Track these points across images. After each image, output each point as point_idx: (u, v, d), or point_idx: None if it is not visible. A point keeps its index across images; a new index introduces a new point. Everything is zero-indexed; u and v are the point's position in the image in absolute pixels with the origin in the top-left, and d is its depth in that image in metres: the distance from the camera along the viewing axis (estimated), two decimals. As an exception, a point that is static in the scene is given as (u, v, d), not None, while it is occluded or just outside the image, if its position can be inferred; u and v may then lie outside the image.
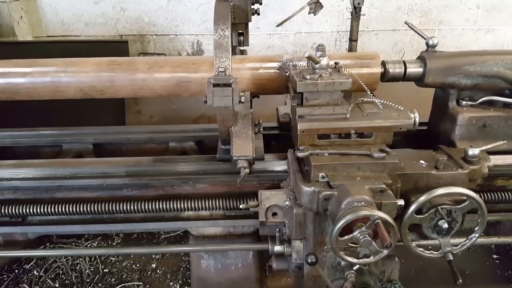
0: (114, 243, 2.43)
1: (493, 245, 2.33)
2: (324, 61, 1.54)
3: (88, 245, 2.37)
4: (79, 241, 2.41)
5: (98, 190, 1.73)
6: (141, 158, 1.79)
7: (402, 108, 1.60)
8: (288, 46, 3.26)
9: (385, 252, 1.27)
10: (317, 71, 1.54)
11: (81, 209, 1.70)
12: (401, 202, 1.37)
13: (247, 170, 1.51)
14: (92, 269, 2.23)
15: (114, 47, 3.18)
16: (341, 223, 1.22)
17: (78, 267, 2.23)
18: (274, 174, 1.67)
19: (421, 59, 1.81)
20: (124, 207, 1.68)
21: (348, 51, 1.97)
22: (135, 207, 1.68)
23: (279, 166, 1.70)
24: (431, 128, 2.02)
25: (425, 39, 1.86)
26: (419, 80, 1.82)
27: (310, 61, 1.56)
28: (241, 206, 1.50)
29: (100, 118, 2.98)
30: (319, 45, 1.54)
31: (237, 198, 1.72)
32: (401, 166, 1.50)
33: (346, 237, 1.26)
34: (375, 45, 3.13)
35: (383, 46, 3.16)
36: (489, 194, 1.76)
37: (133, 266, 2.25)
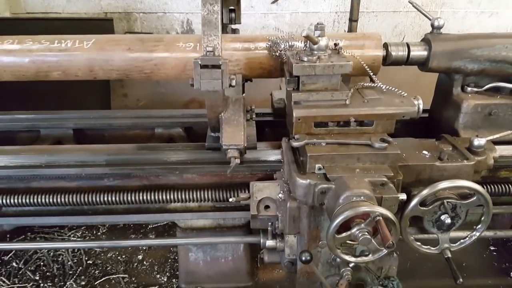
0: (99, 233, 2.33)
1: (490, 237, 2.27)
2: (323, 42, 1.41)
3: (72, 235, 2.26)
4: (62, 231, 2.29)
5: (77, 180, 1.61)
6: (123, 146, 1.66)
7: (405, 94, 1.48)
8: (283, 26, 3.09)
9: (385, 251, 1.17)
10: (315, 52, 1.41)
11: (59, 199, 1.58)
12: (403, 196, 1.27)
13: (238, 161, 1.40)
14: (75, 261, 2.12)
15: (98, 25, 2.99)
16: (338, 220, 1.12)
17: (60, 259, 2.12)
18: (267, 164, 1.56)
19: (426, 41, 1.69)
20: (105, 198, 1.56)
21: (348, 31, 1.83)
22: (117, 198, 1.57)
23: (273, 155, 1.59)
24: (433, 115, 1.92)
25: (430, 20, 1.73)
26: (423, 64, 1.70)
27: (308, 42, 1.43)
28: (230, 200, 1.39)
29: (84, 101, 2.82)
30: (318, 23, 1.41)
31: (227, 189, 1.61)
32: (403, 157, 1.40)
33: (344, 234, 1.16)
34: (375, 27, 2.98)
35: (383, 28, 3.01)
36: (492, 186, 1.68)
37: (119, 258, 2.15)
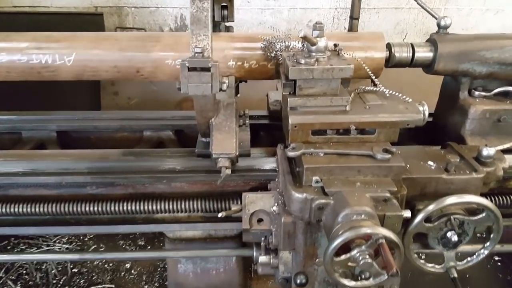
0: (86, 238, 2.22)
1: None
2: (322, 43, 1.30)
3: (57, 241, 2.16)
4: (47, 236, 2.19)
5: (58, 188, 1.50)
6: (108, 152, 1.55)
7: (410, 100, 1.38)
8: (281, 23, 2.98)
9: (387, 277, 1.07)
10: (314, 54, 1.30)
11: (38, 209, 1.47)
12: (407, 213, 1.17)
13: (229, 171, 1.29)
14: (60, 269, 2.03)
15: (88, 20, 2.87)
16: (336, 243, 1.02)
17: (44, 267, 2.02)
18: (261, 174, 1.46)
19: (432, 42, 1.58)
20: (87, 208, 1.46)
21: (348, 30, 1.73)
22: (100, 208, 1.46)
23: (268, 163, 1.49)
24: (437, 120, 1.81)
25: (436, 18, 1.62)
26: (428, 66, 1.59)
27: (306, 43, 1.32)
28: (219, 215, 1.29)
29: (73, 100, 2.70)
30: (316, 23, 1.30)
31: (218, 199, 1.51)
32: (407, 168, 1.30)
33: (343, 257, 1.06)
34: (376, 24, 2.87)
35: (384, 25, 2.90)
36: (500, 198, 1.58)
37: (106, 266, 2.06)
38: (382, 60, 1.53)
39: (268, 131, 1.90)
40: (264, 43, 1.48)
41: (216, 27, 1.56)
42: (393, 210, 1.13)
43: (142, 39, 1.50)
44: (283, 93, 1.34)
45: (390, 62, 1.56)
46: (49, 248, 2.07)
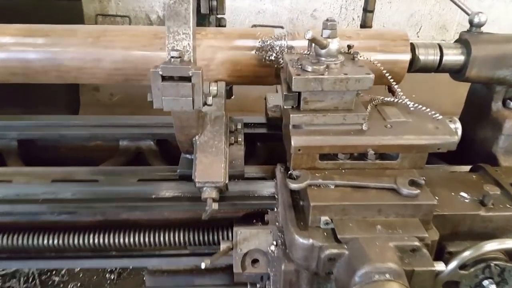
0: (53, 273, 1.97)
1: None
2: (333, 45, 1.03)
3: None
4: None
5: (11, 215, 1.24)
6: (72, 171, 1.30)
7: (440, 117, 1.12)
8: (282, 12, 2.68)
9: None
10: (323, 59, 1.04)
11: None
12: (440, 266, 0.93)
13: (216, 206, 1.04)
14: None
15: (65, 7, 2.56)
16: (355, 317, 0.78)
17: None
18: (257, 202, 1.20)
19: (463, 43, 1.31)
20: (45, 241, 1.20)
21: (362, 25, 1.46)
22: (61, 241, 1.21)
23: (265, 188, 1.23)
24: (464, 133, 1.56)
25: (468, 14, 1.35)
26: (458, 72, 1.33)
27: (313, 45, 1.05)
28: (203, 266, 1.04)
29: (48, 97, 2.41)
30: (327, 19, 1.03)
31: (205, 229, 1.26)
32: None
33: (362, 331, 0.82)
34: (388, 15, 2.58)
35: (397, 17, 2.60)
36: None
37: (81, 289, 1.82)
38: (405, 64, 1.27)
39: (266, 141, 1.64)
40: (259, 43, 1.21)
41: (204, 19, 1.29)
42: (423, 263, 0.89)
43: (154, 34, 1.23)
44: (285, 107, 1.08)
45: (414, 66, 1.30)
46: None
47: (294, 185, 0.99)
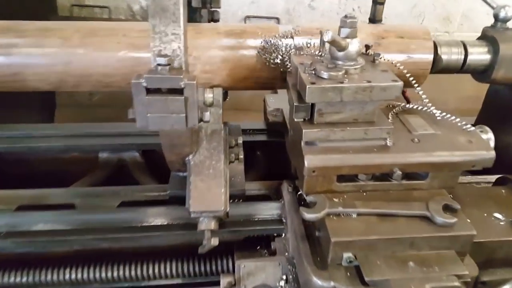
0: None
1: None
2: (353, 46, 0.87)
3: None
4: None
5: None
6: (42, 193, 1.11)
7: (471, 128, 0.98)
8: (277, 2, 2.49)
9: None
10: (340, 63, 0.88)
11: None
12: (484, 310, 0.80)
13: (215, 242, 0.88)
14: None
15: (36, -3, 2.32)
16: None
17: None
18: (262, 226, 1.04)
19: (489, 40, 1.17)
20: (11, 279, 1.02)
21: (371, 19, 1.30)
22: (31, 278, 1.03)
23: (270, 209, 1.08)
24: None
25: (493, 8, 1.21)
26: (483, 73, 1.19)
27: (327, 45, 0.89)
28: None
29: (20, 97, 2.18)
30: (346, 16, 0.86)
31: (201, 258, 1.10)
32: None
33: None
34: (391, 6, 2.40)
35: (400, 7, 2.43)
36: None
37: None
38: (427, 66, 1.12)
39: (267, 149, 1.48)
40: (262, 42, 1.03)
41: (194, 13, 1.10)
42: (466, 309, 0.75)
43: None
44: (295, 119, 0.92)
45: (435, 67, 1.15)
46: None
47: (310, 216, 0.83)
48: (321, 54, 0.97)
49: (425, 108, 1.02)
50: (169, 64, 0.75)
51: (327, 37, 0.77)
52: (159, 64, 0.75)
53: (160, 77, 0.74)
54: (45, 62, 1.02)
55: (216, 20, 1.27)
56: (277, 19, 2.55)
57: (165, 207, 1.06)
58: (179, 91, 0.76)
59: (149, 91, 0.75)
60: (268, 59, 1.03)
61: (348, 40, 0.86)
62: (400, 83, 0.84)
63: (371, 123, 0.90)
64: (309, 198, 0.89)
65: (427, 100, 1.01)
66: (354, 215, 0.84)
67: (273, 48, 1.03)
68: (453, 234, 0.81)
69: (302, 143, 0.90)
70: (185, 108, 0.77)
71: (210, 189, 0.91)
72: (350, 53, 0.87)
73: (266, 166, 1.46)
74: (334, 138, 0.89)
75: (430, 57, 1.11)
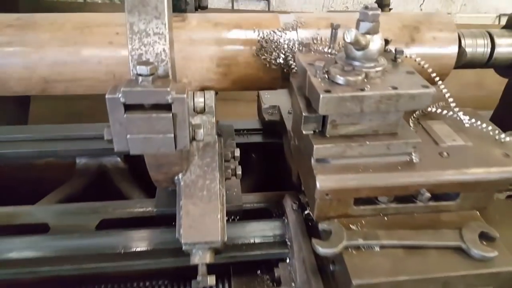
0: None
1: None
2: (375, 44, 0.71)
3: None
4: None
5: None
6: (9, 212, 0.96)
7: (506, 138, 0.84)
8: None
9: None
10: (358, 64, 0.73)
11: None
12: None
13: (212, 281, 0.74)
14: None
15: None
16: None
17: None
18: (262, 251, 0.91)
19: (519, 29, 1.02)
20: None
21: (378, 4, 1.13)
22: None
23: (271, 229, 0.94)
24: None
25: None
26: (509, 67, 1.05)
27: (344, 42, 0.73)
28: None
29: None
30: (367, 7, 0.70)
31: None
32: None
33: None
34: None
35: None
36: None
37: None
38: (450, 61, 0.97)
39: (262, 151, 1.33)
40: (260, 41, 0.87)
41: (182, 5, 0.93)
42: None
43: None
44: (303, 131, 0.77)
45: (457, 62, 1.00)
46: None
47: (325, 251, 0.70)
48: (331, 51, 0.82)
49: (450, 112, 0.88)
50: (152, 74, 0.59)
51: (349, 37, 0.62)
52: (139, 75, 0.59)
53: (142, 90, 0.58)
54: (25, 63, 0.85)
55: (204, 7, 1.09)
56: (267, 0, 2.36)
57: (152, 230, 0.91)
58: (166, 107, 0.60)
59: (128, 107, 0.59)
60: (268, 59, 0.87)
61: (368, 36, 0.70)
62: (432, 90, 0.70)
63: (393, 135, 0.76)
64: (322, 226, 0.75)
65: (453, 104, 0.87)
66: (377, 248, 0.71)
67: (274, 47, 0.86)
68: (493, 270, 0.69)
69: (313, 161, 0.75)
70: (174, 127, 0.61)
71: (204, 215, 0.77)
72: (371, 52, 0.72)
73: (262, 171, 1.32)
74: (350, 154, 0.75)
75: (454, 50, 0.96)
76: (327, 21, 0.89)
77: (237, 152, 0.89)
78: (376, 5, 0.70)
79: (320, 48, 0.84)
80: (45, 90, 0.92)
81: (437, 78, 0.86)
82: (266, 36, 0.86)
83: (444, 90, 0.86)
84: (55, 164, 1.30)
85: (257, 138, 1.33)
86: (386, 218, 0.78)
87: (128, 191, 1.25)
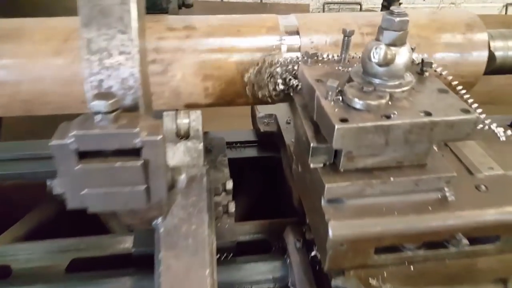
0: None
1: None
2: (402, 58, 0.56)
3: None
4: None
5: None
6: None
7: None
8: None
9: None
10: (379, 82, 0.58)
11: None
12: None
13: None
14: None
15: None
16: None
17: None
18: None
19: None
20: None
21: (385, 5, 0.97)
22: None
23: (270, 272, 0.80)
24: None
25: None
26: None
27: (362, 54, 0.58)
28: None
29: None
30: (392, 12, 0.55)
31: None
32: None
33: None
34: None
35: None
36: None
37: None
38: (479, 68, 0.82)
39: (258, 168, 1.18)
40: (250, 75, 0.71)
41: (163, 8, 0.76)
42: None
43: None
44: (311, 164, 0.62)
45: (488, 67, 0.86)
46: None
47: (342, 319, 0.56)
48: (342, 63, 0.67)
49: (480, 125, 0.73)
50: (113, 111, 0.43)
51: (376, 57, 0.46)
52: (97, 113, 0.43)
53: (100, 133, 0.43)
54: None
55: (189, 6, 0.93)
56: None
57: (129, 278, 0.77)
58: (133, 152, 0.45)
59: (82, 155, 0.44)
60: (258, 87, 0.71)
61: (394, 49, 0.55)
62: (475, 116, 0.55)
63: (422, 167, 0.62)
64: (335, 283, 0.61)
65: (483, 115, 0.72)
66: (405, 311, 0.58)
67: (269, 77, 0.71)
68: (549, 337, 0.56)
69: (323, 201, 0.61)
70: (146, 177, 0.46)
71: (189, 272, 0.62)
72: (396, 68, 0.57)
73: (257, 190, 1.18)
74: (370, 193, 0.60)
75: (484, 55, 0.81)
76: (336, 23, 0.74)
77: (230, 185, 0.74)
78: (403, 9, 0.55)
79: (330, 56, 0.69)
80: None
81: (464, 91, 0.72)
82: (259, 64, 0.70)
83: (474, 105, 0.71)
84: (23, 187, 1.14)
85: (251, 152, 1.17)
86: (412, 268, 0.64)
87: (105, 217, 1.10)
